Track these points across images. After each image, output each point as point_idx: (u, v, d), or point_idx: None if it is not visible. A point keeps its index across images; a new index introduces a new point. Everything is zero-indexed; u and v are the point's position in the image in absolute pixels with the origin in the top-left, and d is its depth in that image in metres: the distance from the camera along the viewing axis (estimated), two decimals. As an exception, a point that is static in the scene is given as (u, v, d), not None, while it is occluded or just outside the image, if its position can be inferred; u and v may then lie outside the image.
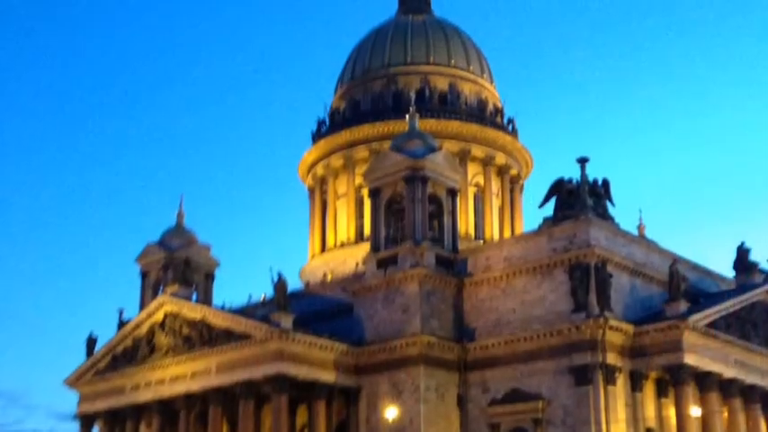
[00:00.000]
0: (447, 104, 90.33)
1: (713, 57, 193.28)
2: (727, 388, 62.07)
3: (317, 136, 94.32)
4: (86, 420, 76.38)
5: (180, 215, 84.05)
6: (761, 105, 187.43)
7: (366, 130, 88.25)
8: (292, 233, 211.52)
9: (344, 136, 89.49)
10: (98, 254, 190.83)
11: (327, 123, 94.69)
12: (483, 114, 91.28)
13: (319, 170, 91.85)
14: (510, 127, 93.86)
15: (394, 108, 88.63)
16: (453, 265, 66.45)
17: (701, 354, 59.48)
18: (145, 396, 70.66)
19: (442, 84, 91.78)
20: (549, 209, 64.02)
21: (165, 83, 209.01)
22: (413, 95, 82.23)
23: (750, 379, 63.52)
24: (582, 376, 57.72)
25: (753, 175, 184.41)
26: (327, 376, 64.42)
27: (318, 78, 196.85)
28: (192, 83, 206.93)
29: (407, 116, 74.46)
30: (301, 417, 67.53)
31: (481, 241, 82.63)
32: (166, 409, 70.02)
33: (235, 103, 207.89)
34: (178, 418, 68.81)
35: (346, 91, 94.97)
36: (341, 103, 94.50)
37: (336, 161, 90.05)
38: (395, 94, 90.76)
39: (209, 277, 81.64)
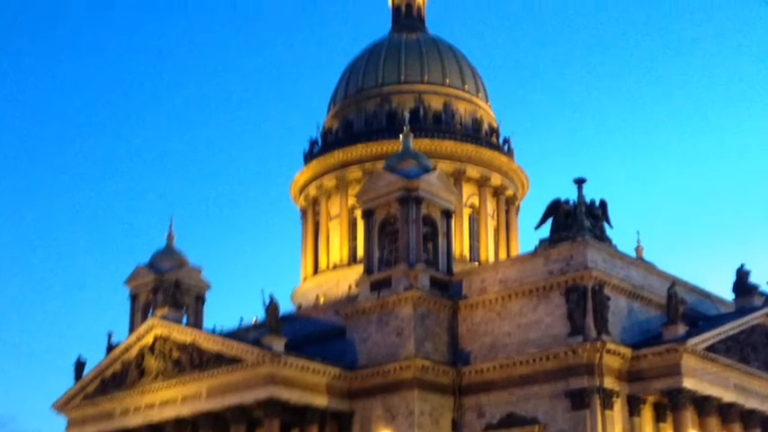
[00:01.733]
0: (442, 124, 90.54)
1: (712, 76, 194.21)
2: (727, 412, 62.07)
3: (309, 156, 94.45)
4: (75, 446, 76.15)
5: (170, 237, 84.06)
6: (760, 125, 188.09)
7: (359, 150, 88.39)
8: (284, 255, 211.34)
9: (337, 156, 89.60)
10: (87, 276, 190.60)
11: (320, 143, 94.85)
12: (478, 134, 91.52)
13: (312, 191, 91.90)
14: (506, 147, 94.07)
15: (388, 128, 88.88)
16: (448, 288, 66.49)
17: (699, 378, 59.46)
18: (134, 421, 70.45)
19: (436, 103, 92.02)
20: (546, 230, 64.21)
21: (155, 102, 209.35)
22: (407, 115, 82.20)
23: (750, 403, 63.52)
24: (579, 400, 57.66)
25: (752, 196, 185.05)
26: (320, 400, 64.30)
27: (311, 98, 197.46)
28: (182, 102, 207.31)
29: (401, 136, 74.63)
30: (294, 441, 67.36)
31: (476, 263, 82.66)
32: (156, 434, 69.83)
33: (226, 123, 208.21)
34: (168, 444, 68.64)
35: (339, 110, 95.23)
36: (334, 122, 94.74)
37: (329, 182, 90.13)
38: (389, 114, 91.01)
39: (200, 300, 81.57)
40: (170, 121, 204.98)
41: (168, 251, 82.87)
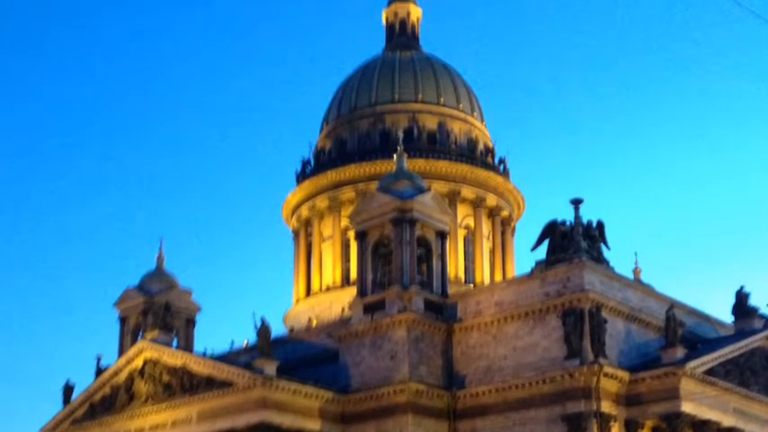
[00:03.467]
0: (436, 144, 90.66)
1: (711, 96, 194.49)
2: (726, 437, 62.07)
3: (301, 176, 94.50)
4: (62, 472, 75.86)
5: (160, 258, 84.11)
6: (760, 145, 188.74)
7: (352, 170, 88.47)
8: (276, 277, 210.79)
9: (330, 176, 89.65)
10: (75, 298, 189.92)
11: (312, 163, 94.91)
12: (473, 154, 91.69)
13: (304, 212, 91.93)
14: (501, 167, 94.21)
15: (381, 147, 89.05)
16: (443, 310, 66.54)
17: (698, 401, 59.48)
18: (123, 446, 70.26)
19: (430, 123, 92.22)
20: (542, 252, 64.23)
21: (144, 122, 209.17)
22: (401, 135, 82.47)
23: (749, 428, 63.52)
24: (576, 425, 57.65)
25: (753, 217, 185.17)
26: (312, 425, 64.16)
27: (303, 117, 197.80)
28: (172, 122, 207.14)
29: (395, 156, 74.89)
30: (286, 467, 67.17)
31: (472, 285, 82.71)
32: (147, 459, 69.65)
33: (216, 143, 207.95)
34: (158, 469, 68.43)
35: (332, 130, 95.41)
36: (326, 142, 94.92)
37: (322, 202, 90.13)
38: (382, 133, 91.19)
39: (191, 323, 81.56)
40: (160, 142, 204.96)
41: (158, 273, 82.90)
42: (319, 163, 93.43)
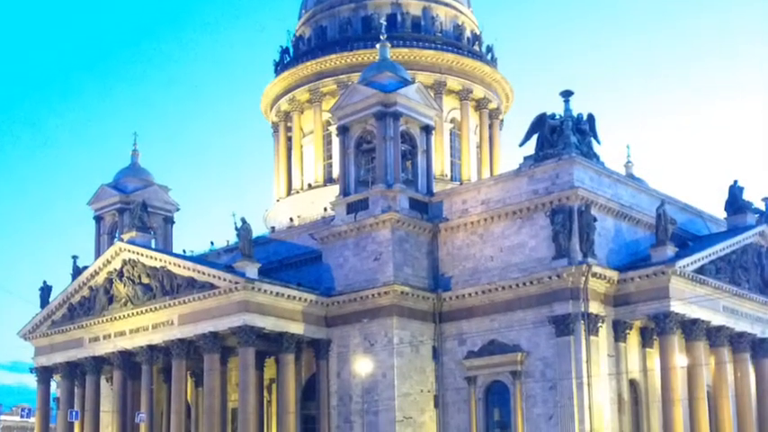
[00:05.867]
0: (420, 31, 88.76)
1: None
2: (715, 336, 62.98)
3: (280, 67, 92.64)
4: (43, 374, 76.65)
5: (135, 154, 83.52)
6: (753, 37, 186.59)
7: (333, 60, 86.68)
8: (256, 174, 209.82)
9: (310, 67, 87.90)
10: (50, 197, 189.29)
11: (291, 53, 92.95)
12: (459, 42, 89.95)
13: (283, 105, 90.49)
14: (489, 56, 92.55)
15: (363, 35, 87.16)
16: (428, 209, 66.49)
17: (688, 301, 60.02)
18: (104, 348, 71.13)
19: (414, 8, 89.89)
20: (531, 147, 63.78)
21: (116, 11, 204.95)
22: (383, 22, 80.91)
23: (740, 326, 64.39)
24: (563, 326, 58.27)
25: (748, 108, 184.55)
26: (296, 328, 64.79)
27: (282, 1, 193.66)
28: (145, 8, 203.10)
29: (378, 45, 73.50)
30: (269, 370, 68.22)
31: (458, 182, 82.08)
32: (128, 362, 70.41)
33: (190, 29, 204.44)
34: (140, 372, 69.06)
35: (311, 16, 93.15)
36: (306, 30, 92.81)
37: (302, 95, 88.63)
38: (364, 20, 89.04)
39: (169, 221, 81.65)
40: (131, 30, 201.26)
41: (133, 170, 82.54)
42: (299, 52, 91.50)
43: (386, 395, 61.90)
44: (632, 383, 61.17)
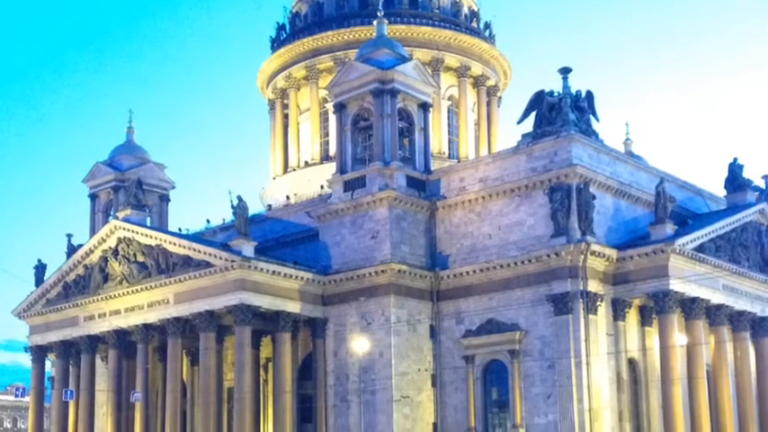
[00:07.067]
0: (418, 7, 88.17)
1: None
2: (715, 315, 62.79)
3: (276, 43, 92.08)
4: (38, 353, 76.45)
5: (130, 131, 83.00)
6: (755, 16, 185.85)
7: (330, 37, 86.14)
8: (252, 152, 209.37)
9: (307, 44, 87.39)
10: (45, 175, 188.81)
11: (288, 29, 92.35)
12: (457, 19, 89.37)
13: (280, 82, 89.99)
14: (487, 33, 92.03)
15: (360, 12, 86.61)
16: (425, 187, 66.15)
17: (687, 279, 59.78)
18: (99, 327, 70.91)
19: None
20: (529, 124, 63.43)
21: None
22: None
23: (739, 305, 64.20)
24: (561, 305, 58.02)
25: (748, 85, 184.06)
26: (292, 307, 64.51)
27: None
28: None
29: (375, 22, 72.96)
30: (265, 349, 67.95)
31: (455, 160, 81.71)
32: (123, 341, 70.20)
33: (187, 6, 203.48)
34: (135, 351, 68.83)
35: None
36: (302, 6, 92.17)
37: (298, 72, 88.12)
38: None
39: (164, 199, 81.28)
40: (127, 7, 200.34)
41: (128, 147, 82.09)
42: (295, 29, 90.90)
43: (383, 374, 61.73)
44: (631, 362, 60.98)
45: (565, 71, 63.19)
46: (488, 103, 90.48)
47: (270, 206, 79.85)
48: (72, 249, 75.52)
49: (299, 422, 66.41)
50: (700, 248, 61.04)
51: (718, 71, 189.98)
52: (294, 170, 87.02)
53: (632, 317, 61.29)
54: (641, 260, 59.52)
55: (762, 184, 70.71)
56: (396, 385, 61.45)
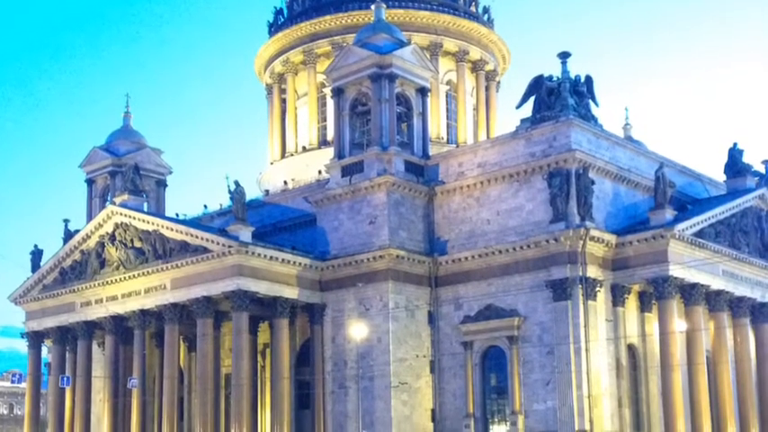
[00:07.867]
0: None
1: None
2: (715, 300, 62.56)
3: (274, 28, 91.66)
4: (34, 339, 76.25)
5: (127, 116, 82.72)
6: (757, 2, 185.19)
7: (328, 21, 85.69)
8: (250, 137, 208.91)
9: (304, 28, 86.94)
10: (41, 160, 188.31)
11: (285, 14, 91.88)
12: (456, 3, 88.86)
13: (277, 67, 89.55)
14: (485, 17, 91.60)
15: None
16: (424, 172, 65.87)
17: (687, 265, 59.49)
18: (96, 313, 70.68)
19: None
20: (528, 109, 63.21)
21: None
22: (378, -19, 79.70)
23: (739, 291, 63.99)
24: (560, 291, 57.79)
25: (749, 69, 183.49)
26: (290, 292, 64.28)
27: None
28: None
29: (373, 6, 72.53)
30: (263, 335, 67.78)
31: (454, 145, 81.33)
32: (120, 327, 69.98)
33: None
34: (132, 337, 68.60)
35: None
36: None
37: (296, 57, 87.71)
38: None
39: (161, 185, 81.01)
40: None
41: (125, 132, 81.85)
42: (293, 13, 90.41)
43: (381, 360, 61.56)
44: (631, 348, 60.79)
45: (564, 56, 62.83)
46: (487, 88, 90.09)
47: (267, 191, 79.54)
48: (69, 235, 75.37)
49: (296, 408, 66.31)
50: (699, 234, 60.79)
51: (718, 56, 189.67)
52: (292, 155, 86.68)
53: (632, 303, 61.07)
54: (641, 245, 59.27)
55: (762, 170, 70.57)
56: (394, 371, 61.29)
